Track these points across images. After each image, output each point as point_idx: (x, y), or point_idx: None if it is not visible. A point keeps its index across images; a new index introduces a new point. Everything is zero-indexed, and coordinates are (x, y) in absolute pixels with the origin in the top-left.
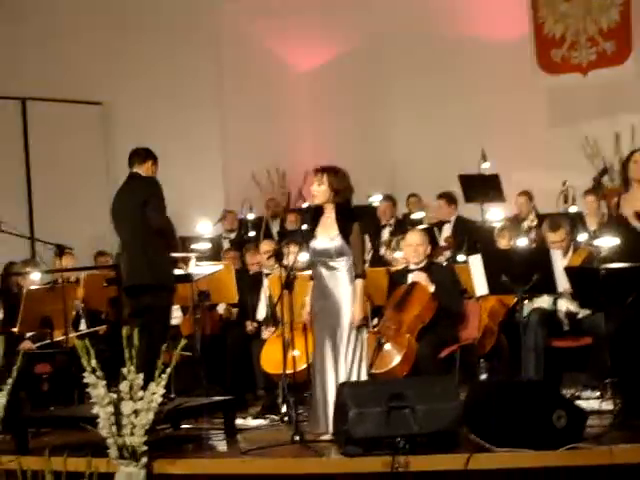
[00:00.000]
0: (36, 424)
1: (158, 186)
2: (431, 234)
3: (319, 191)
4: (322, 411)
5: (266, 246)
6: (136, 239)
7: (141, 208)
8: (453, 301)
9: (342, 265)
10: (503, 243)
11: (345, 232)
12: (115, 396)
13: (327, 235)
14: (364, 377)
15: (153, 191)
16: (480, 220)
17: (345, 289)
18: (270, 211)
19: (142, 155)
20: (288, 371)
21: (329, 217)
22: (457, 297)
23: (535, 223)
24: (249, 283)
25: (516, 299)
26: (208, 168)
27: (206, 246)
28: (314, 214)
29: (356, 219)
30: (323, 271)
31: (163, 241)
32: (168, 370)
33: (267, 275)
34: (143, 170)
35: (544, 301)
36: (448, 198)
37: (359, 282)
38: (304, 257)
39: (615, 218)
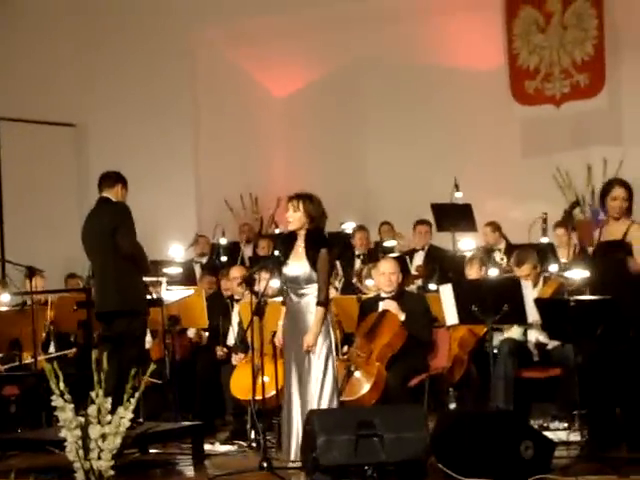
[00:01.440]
0: (3, 446)
1: (127, 212)
2: (403, 262)
3: (294, 217)
4: (288, 438)
5: (235, 272)
6: (106, 265)
7: (110, 234)
8: (423, 330)
9: (310, 292)
10: (471, 273)
11: (313, 259)
12: (83, 420)
13: (298, 262)
14: (334, 404)
15: (122, 217)
16: (452, 249)
17: (312, 316)
18: (244, 236)
19: (112, 179)
20: (257, 397)
21: (300, 244)
22: (427, 326)
23: (505, 260)
24: (220, 308)
25: (486, 329)
26: (181, 192)
27: (177, 270)
28: (287, 240)
29: (325, 246)
30: (293, 298)
31: (134, 266)
32: (137, 394)
33: (237, 301)
34: (113, 194)
35: (514, 331)
36: (430, 225)
37: (319, 309)
38: (275, 284)
39: (599, 247)
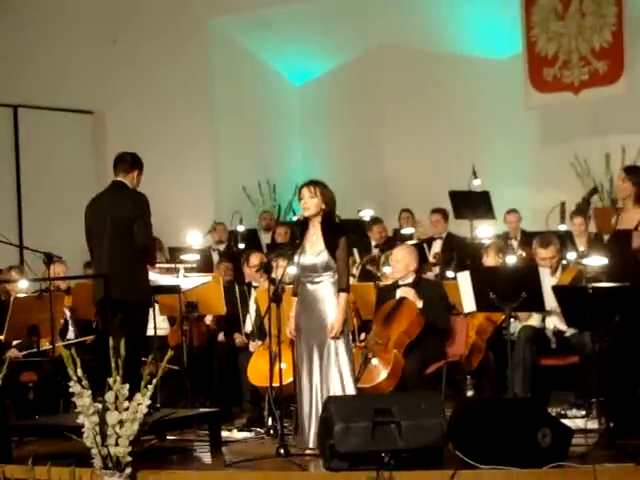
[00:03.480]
0: (21, 432)
1: (147, 203)
2: (420, 250)
3: (311, 203)
4: (309, 426)
5: (254, 259)
6: (118, 253)
7: (127, 224)
8: (440, 317)
9: (326, 279)
10: (488, 261)
11: (331, 247)
12: (100, 406)
13: (314, 250)
14: (352, 391)
15: (142, 209)
16: (470, 237)
17: (330, 304)
18: (264, 224)
19: (128, 162)
20: (274, 384)
21: (315, 232)
22: (444, 313)
23: (524, 255)
24: (239, 295)
25: (504, 317)
26: (199, 179)
27: (195, 257)
28: (301, 228)
29: (343, 233)
30: (308, 286)
31: (144, 258)
32: (154, 381)
33: (255, 287)
34: (128, 180)
35: (533, 319)
36: (444, 213)
37: (343, 295)
38: (293, 270)
39: (615, 234)
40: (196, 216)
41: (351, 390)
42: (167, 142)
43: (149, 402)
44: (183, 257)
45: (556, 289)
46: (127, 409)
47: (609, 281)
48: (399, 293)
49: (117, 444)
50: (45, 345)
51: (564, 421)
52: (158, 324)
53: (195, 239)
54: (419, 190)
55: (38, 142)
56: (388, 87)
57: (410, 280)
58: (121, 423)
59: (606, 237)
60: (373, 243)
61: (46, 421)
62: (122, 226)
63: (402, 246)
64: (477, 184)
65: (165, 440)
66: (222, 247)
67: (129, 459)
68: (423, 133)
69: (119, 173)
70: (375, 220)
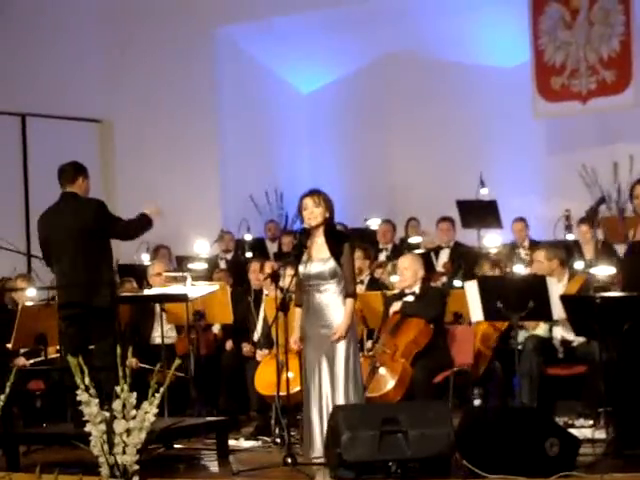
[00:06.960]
0: (28, 441)
1: (103, 205)
2: (427, 259)
3: (317, 212)
4: (320, 435)
5: (255, 265)
6: (82, 263)
7: (88, 233)
8: (429, 308)
9: (333, 286)
10: (484, 270)
11: (336, 253)
12: (108, 414)
13: (320, 258)
14: (361, 400)
15: (105, 213)
16: (477, 246)
17: (337, 312)
18: (270, 234)
19: (69, 173)
20: (282, 393)
21: (318, 240)
22: (433, 305)
23: (529, 257)
24: (246, 304)
25: (508, 323)
26: (206, 188)
27: (202, 266)
28: (305, 237)
29: (347, 239)
30: (315, 294)
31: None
32: (162, 390)
33: (266, 295)
34: (76, 188)
35: (540, 328)
36: (453, 222)
37: (350, 301)
38: None
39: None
40: (203, 224)
41: (357, 399)
42: (174, 150)
43: (156, 411)
44: (190, 266)
45: (564, 299)
46: (134, 417)
47: (624, 292)
48: (393, 307)
49: (124, 453)
50: (52, 353)
51: (571, 431)
52: (165, 333)
53: (202, 248)
54: (426, 199)
55: (46, 151)
56: (395, 95)
57: (416, 289)
58: (128, 432)
59: (618, 246)
60: (380, 246)
61: (53, 429)
62: (83, 237)
63: (408, 255)
64: (484, 193)
65: (172, 449)
66: (229, 256)
67: (136, 468)
68: (430, 141)
69: (65, 185)
70: (383, 221)
